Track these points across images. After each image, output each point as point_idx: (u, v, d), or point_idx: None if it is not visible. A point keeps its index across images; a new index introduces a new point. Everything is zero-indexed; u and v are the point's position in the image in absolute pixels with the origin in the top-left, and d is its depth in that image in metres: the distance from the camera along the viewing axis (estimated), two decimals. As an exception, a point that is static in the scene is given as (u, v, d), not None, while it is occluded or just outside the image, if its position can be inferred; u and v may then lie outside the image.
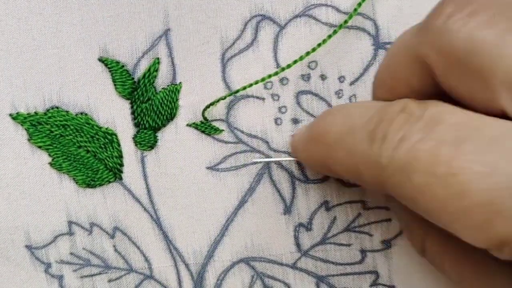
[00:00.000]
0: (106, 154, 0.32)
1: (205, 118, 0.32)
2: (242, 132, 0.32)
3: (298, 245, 0.33)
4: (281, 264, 0.33)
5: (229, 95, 0.31)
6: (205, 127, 0.32)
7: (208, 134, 0.32)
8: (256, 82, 0.31)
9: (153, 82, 0.32)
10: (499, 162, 0.19)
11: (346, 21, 0.30)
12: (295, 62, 0.30)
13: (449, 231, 0.21)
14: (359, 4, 0.30)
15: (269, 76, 0.31)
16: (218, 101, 0.31)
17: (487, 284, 0.24)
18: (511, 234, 0.19)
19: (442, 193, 0.20)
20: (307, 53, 0.30)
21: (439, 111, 0.22)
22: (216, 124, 0.32)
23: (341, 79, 0.32)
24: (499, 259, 0.21)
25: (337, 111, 0.26)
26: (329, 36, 0.30)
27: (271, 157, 0.32)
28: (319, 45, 0.30)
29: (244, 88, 0.31)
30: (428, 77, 0.23)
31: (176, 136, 0.32)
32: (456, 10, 0.22)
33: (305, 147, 0.28)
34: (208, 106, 0.31)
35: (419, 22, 0.24)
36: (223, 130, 0.32)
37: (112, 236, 0.33)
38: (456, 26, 0.21)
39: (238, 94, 0.32)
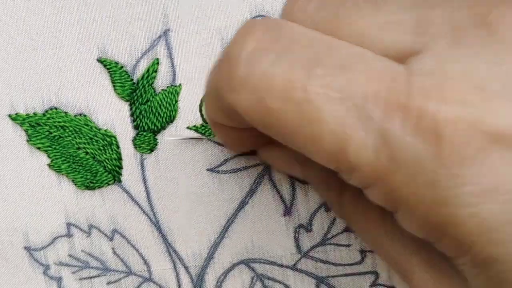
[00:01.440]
0: (105, 156, 0.32)
1: (204, 120, 0.32)
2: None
3: (298, 246, 0.33)
4: (281, 265, 0.33)
5: None
6: (206, 130, 0.32)
7: (209, 137, 0.32)
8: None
9: (152, 83, 0.32)
10: (351, 87, 0.19)
11: None
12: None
13: (303, 153, 0.21)
14: None
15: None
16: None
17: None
18: (359, 163, 0.19)
19: (296, 118, 0.20)
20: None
21: (293, 30, 0.21)
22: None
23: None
24: None
25: None
26: None
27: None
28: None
29: None
30: None
31: (176, 138, 0.32)
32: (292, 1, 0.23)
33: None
34: (202, 104, 0.31)
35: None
36: None
37: (111, 239, 0.33)
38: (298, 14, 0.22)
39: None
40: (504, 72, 0.19)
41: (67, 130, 0.32)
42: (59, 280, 0.34)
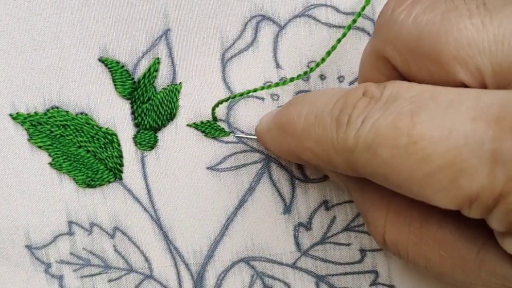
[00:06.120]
0: (106, 154, 0.32)
1: (214, 118, 0.32)
2: (242, 132, 0.32)
3: (298, 244, 0.33)
4: (281, 263, 0.33)
5: (239, 96, 0.31)
6: (205, 127, 0.32)
7: (209, 135, 0.32)
8: (269, 87, 0.31)
9: (153, 82, 0.32)
10: (455, 124, 0.20)
11: (354, 20, 0.30)
12: (305, 73, 0.30)
13: (422, 200, 0.22)
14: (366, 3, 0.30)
15: (283, 83, 0.31)
16: (228, 99, 0.31)
17: (452, 259, 0.24)
18: (477, 190, 0.20)
19: (407, 162, 0.21)
20: (317, 65, 0.30)
21: (396, 88, 0.23)
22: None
23: (341, 78, 0.32)
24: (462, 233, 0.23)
25: (301, 101, 0.27)
26: (339, 40, 0.30)
27: (270, 156, 0.32)
28: (328, 53, 0.30)
29: (255, 90, 0.31)
30: (394, 71, 0.25)
31: (176, 136, 0.32)
32: (398, 3, 0.23)
33: (272, 138, 0.28)
34: (217, 105, 0.31)
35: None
36: (229, 132, 0.32)
37: (112, 236, 0.33)
38: (401, 17, 0.23)
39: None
40: None
41: (68, 129, 0.32)
42: (60, 278, 0.34)
